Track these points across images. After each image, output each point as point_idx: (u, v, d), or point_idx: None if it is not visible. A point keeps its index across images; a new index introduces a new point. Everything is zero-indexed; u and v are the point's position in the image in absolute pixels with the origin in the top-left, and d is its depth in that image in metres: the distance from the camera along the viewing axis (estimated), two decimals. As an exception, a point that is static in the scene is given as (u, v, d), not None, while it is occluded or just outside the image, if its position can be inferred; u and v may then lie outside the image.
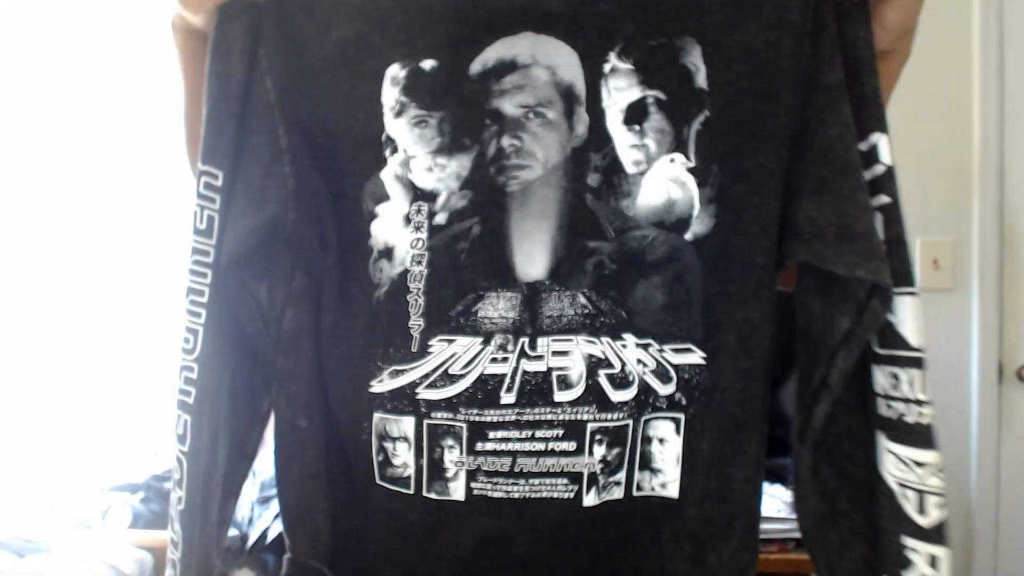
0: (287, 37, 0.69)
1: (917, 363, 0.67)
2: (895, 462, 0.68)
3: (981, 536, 1.85)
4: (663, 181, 0.68)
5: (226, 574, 1.71)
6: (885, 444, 0.68)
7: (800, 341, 0.72)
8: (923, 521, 0.67)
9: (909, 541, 0.67)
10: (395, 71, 0.68)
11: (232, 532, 1.57)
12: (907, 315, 0.67)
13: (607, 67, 0.67)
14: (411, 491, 0.70)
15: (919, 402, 0.67)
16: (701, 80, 0.67)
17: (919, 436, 0.66)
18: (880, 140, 0.67)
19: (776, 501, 1.56)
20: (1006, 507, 1.84)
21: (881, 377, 0.69)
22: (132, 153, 2.02)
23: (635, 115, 0.67)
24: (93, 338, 2.05)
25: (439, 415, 0.68)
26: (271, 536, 1.64)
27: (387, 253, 0.69)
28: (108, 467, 1.92)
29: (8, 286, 1.98)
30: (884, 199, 0.67)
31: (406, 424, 0.69)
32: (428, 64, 0.68)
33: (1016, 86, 1.79)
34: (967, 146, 1.82)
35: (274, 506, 1.73)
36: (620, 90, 0.67)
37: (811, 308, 0.70)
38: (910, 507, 0.67)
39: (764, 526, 1.33)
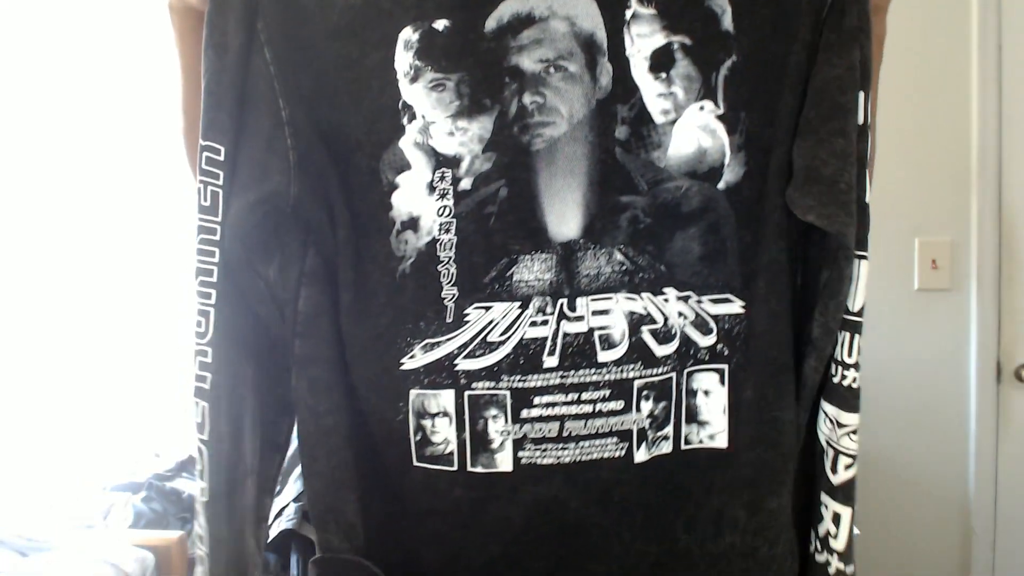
0: (287, 8, 0.66)
1: (853, 327, 0.67)
2: (824, 419, 0.69)
3: (979, 535, 1.85)
4: (693, 130, 0.66)
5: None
6: (822, 404, 0.70)
7: (800, 300, 0.71)
8: (834, 479, 0.69)
9: (824, 497, 0.69)
10: (408, 34, 0.65)
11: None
12: (853, 277, 0.67)
13: (628, 13, 0.65)
14: (454, 467, 0.68)
15: (846, 365, 0.68)
16: (727, 23, 0.65)
17: (844, 398, 0.68)
18: (859, 96, 0.66)
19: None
20: (1004, 506, 1.85)
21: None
22: (127, 152, 2.03)
23: (661, 62, 0.65)
24: (93, 338, 2.06)
25: (480, 385, 0.66)
26: (272, 535, 1.65)
27: (412, 224, 0.66)
28: (109, 467, 1.92)
29: (8, 286, 1.98)
30: None
31: (445, 398, 0.67)
32: (441, 24, 0.65)
33: (1014, 86, 1.80)
34: (965, 146, 1.82)
35: (275, 504, 1.73)
36: (643, 37, 0.65)
37: (810, 261, 0.70)
38: (827, 464, 0.69)
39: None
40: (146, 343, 2.07)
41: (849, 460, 0.68)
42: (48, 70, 1.98)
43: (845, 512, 0.68)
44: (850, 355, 0.67)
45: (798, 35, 0.66)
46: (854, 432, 0.68)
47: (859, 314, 0.68)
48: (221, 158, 0.65)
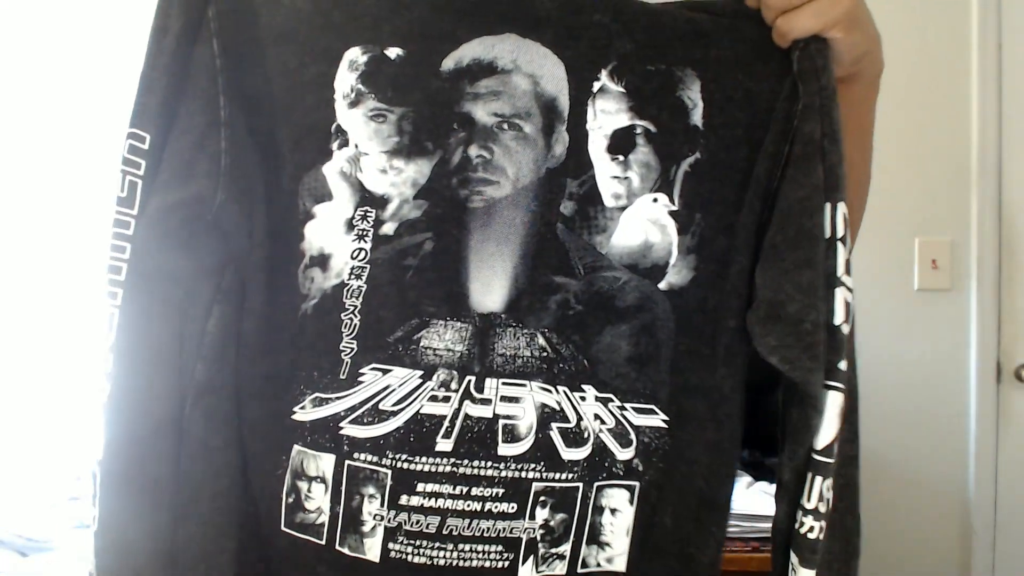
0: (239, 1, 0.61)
1: (819, 468, 0.59)
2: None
3: (979, 535, 1.85)
4: (642, 221, 0.62)
5: None
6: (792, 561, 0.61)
7: (780, 427, 0.64)
8: None
9: None
10: (355, 55, 0.59)
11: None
12: (825, 410, 0.59)
13: (596, 85, 0.61)
14: (323, 542, 0.61)
15: (805, 510, 0.59)
16: (696, 118, 0.61)
17: (799, 547, 0.59)
18: (838, 209, 0.60)
19: (770, 499, 1.57)
20: (1004, 506, 1.85)
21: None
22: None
23: (621, 144, 0.61)
24: (94, 337, 2.06)
25: (362, 457, 0.59)
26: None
27: (321, 261, 0.60)
28: (109, 467, 1.92)
29: (8, 286, 1.98)
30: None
31: (325, 463, 0.60)
32: (394, 52, 0.60)
33: (1014, 86, 1.79)
34: (965, 146, 1.82)
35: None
36: (607, 113, 0.61)
37: (781, 395, 0.63)
38: None
39: (758, 524, 1.34)
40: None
41: None
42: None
43: None
44: (808, 500, 0.59)
45: (766, 148, 0.61)
46: None
47: (826, 452, 0.59)
48: (145, 147, 0.59)
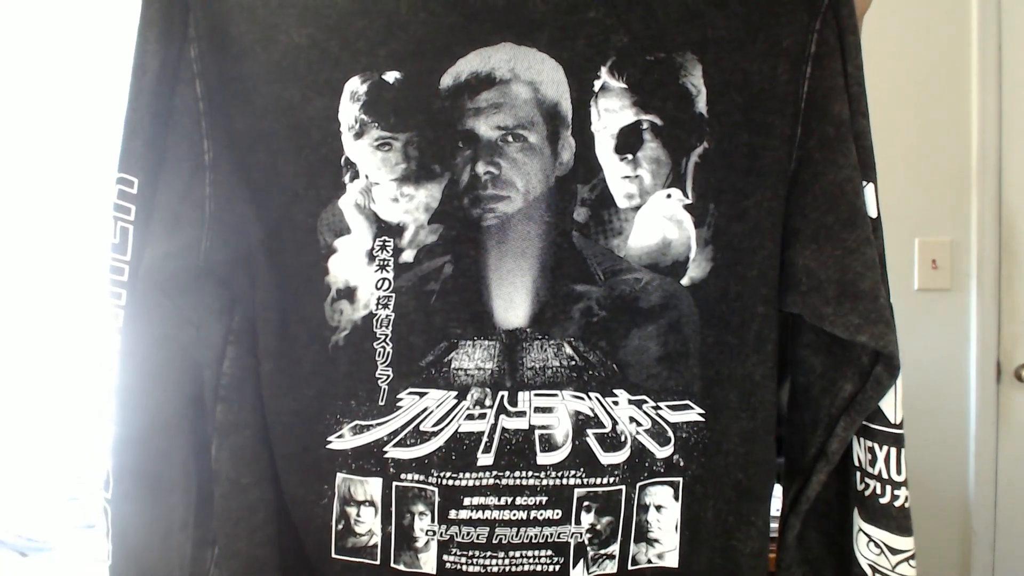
0: (226, 37, 0.60)
1: (895, 440, 0.61)
2: (867, 543, 0.63)
3: (979, 535, 1.85)
4: (658, 218, 0.61)
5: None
6: (858, 522, 0.63)
7: (795, 401, 0.66)
8: None
9: None
10: (355, 85, 0.59)
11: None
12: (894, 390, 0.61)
13: (597, 84, 0.60)
14: (376, 562, 0.62)
15: (895, 483, 0.61)
16: (701, 105, 0.60)
17: (893, 520, 0.61)
18: (867, 189, 0.61)
19: (775, 501, 1.56)
20: (1004, 506, 1.85)
21: (859, 449, 0.63)
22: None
23: (628, 142, 0.60)
24: (94, 337, 2.05)
25: (409, 477, 0.61)
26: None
27: (348, 293, 0.61)
28: (109, 467, 1.92)
29: (8, 285, 1.98)
30: None
31: (372, 486, 0.62)
32: (392, 76, 0.59)
33: (1014, 86, 1.79)
34: (965, 146, 1.81)
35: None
36: (611, 112, 0.60)
37: (811, 366, 0.64)
38: None
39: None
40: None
41: None
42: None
43: None
44: (899, 472, 0.61)
45: (774, 129, 0.60)
46: (912, 558, 0.61)
47: (901, 426, 0.62)
48: (134, 191, 0.59)
